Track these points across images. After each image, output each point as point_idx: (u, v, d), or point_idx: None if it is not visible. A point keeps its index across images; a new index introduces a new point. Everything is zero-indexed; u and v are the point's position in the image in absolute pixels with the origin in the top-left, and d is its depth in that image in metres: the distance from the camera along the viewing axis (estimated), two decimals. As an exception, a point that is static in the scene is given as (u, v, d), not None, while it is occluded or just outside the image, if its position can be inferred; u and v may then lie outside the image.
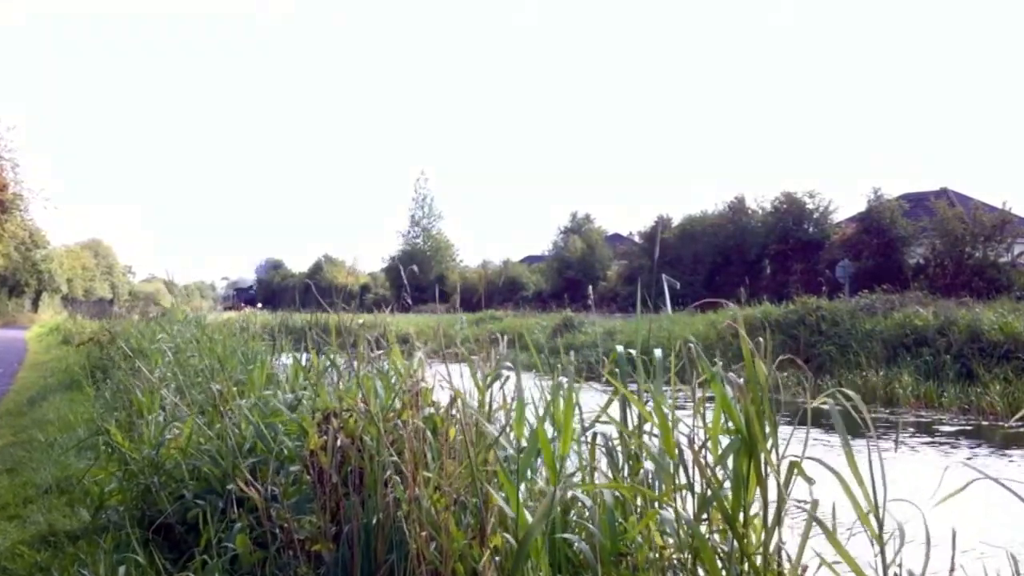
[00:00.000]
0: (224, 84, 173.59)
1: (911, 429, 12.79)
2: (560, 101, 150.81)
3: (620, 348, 3.50)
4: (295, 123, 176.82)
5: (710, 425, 2.99)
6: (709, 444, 2.98)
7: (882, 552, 2.47)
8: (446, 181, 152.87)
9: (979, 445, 11.55)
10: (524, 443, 3.33)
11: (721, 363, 2.95)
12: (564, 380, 3.50)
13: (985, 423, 13.20)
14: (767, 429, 2.74)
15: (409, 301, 5.68)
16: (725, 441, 2.89)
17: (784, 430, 2.86)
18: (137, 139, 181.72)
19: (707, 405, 3.07)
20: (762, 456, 2.69)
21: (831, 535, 2.51)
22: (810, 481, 2.65)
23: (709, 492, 2.80)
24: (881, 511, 2.49)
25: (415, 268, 7.45)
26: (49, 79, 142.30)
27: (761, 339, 2.91)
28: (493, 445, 3.52)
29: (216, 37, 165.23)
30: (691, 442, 2.95)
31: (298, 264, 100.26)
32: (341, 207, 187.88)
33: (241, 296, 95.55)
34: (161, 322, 11.98)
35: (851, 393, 2.65)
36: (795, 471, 2.69)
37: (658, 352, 3.17)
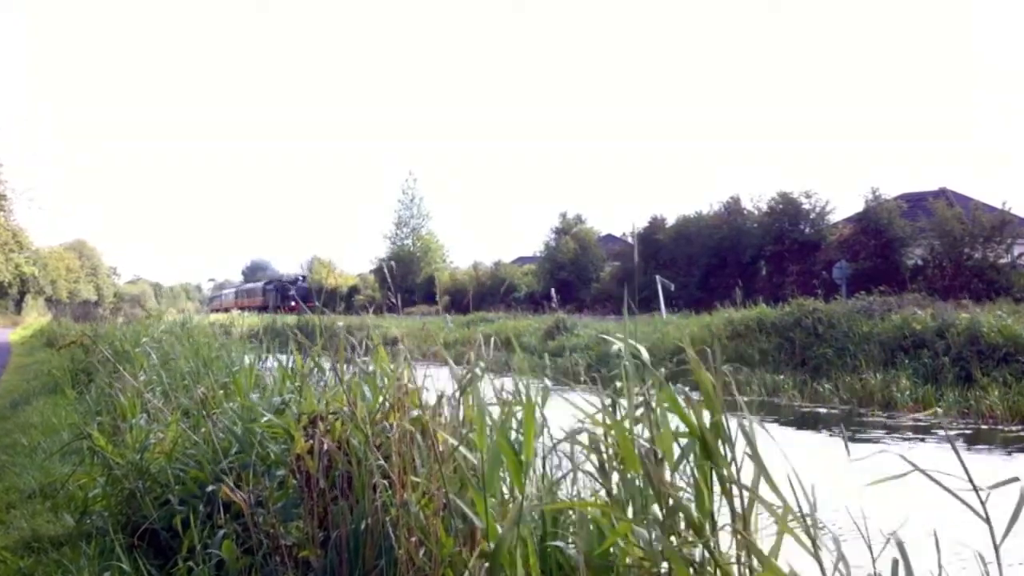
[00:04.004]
0: (214, 83, 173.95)
1: (908, 432, 12.73)
2: (553, 101, 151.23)
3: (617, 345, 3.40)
4: (284, 123, 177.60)
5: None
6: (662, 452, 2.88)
7: (817, 559, 2.41)
8: (438, 182, 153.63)
9: (978, 448, 11.49)
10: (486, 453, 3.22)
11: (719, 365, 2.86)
12: (527, 384, 3.42)
13: (984, 427, 13.13)
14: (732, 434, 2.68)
15: (394, 301, 5.55)
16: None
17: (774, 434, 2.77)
18: (126, 139, 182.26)
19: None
20: (729, 465, 2.63)
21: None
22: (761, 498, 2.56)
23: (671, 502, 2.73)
24: (809, 520, 2.45)
25: (393, 265, 7.34)
26: (35, 78, 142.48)
27: (708, 349, 2.89)
28: (447, 459, 3.42)
29: (206, 37, 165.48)
30: (649, 454, 2.86)
31: (286, 266, 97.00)
32: (330, 208, 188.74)
33: (280, 291, 69.44)
34: (146, 324, 11.90)
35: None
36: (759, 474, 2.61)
37: (645, 353, 3.09)
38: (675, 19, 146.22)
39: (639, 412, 3.01)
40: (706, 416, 2.73)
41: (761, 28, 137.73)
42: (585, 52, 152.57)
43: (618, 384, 3.18)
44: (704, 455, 2.69)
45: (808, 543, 2.43)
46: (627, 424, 2.95)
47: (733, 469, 2.68)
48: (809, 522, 2.45)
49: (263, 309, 59.19)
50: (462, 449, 3.34)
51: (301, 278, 72.62)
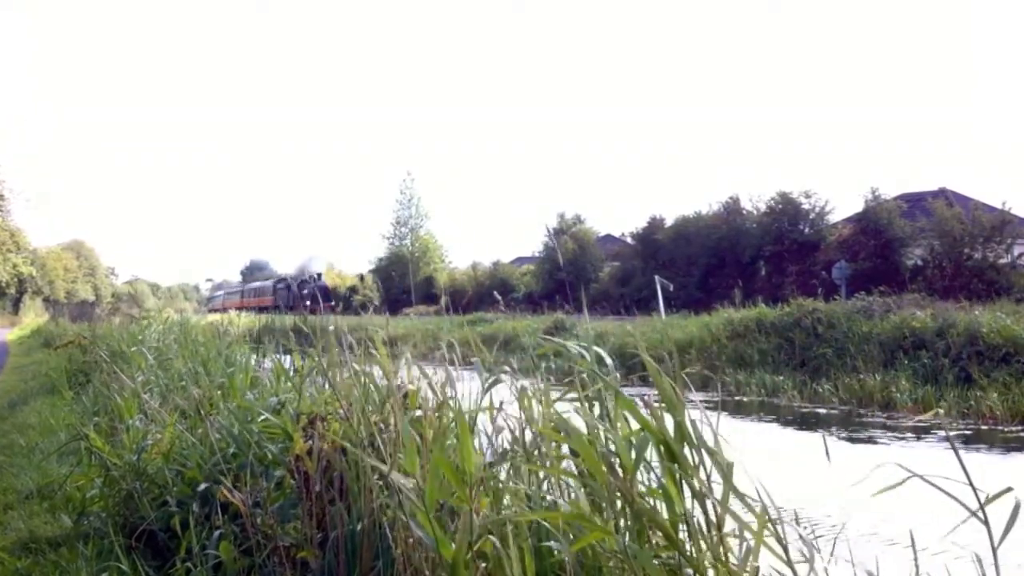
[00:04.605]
0: (213, 83, 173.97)
1: (908, 433, 12.72)
2: (553, 101, 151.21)
3: (572, 346, 3.41)
4: (282, 123, 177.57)
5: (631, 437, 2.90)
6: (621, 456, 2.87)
7: (790, 566, 2.41)
8: (436, 181, 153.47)
9: (977, 448, 11.49)
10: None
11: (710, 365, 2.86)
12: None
13: (984, 428, 13.10)
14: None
15: (378, 303, 5.52)
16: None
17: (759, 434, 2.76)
18: (123, 139, 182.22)
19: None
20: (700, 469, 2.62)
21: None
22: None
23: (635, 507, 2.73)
24: (781, 530, 2.45)
25: (391, 272, 7.30)
26: (31, 78, 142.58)
27: (666, 355, 2.89)
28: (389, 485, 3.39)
29: (206, 37, 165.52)
30: (611, 465, 2.84)
31: (284, 266, 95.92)
32: (328, 208, 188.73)
33: (294, 289, 61.46)
34: (143, 324, 11.88)
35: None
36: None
37: (603, 353, 3.10)
38: (674, 19, 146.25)
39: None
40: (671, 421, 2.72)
41: (761, 28, 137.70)
42: (584, 52, 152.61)
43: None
44: (669, 459, 2.67)
45: (780, 550, 2.42)
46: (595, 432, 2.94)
47: (702, 472, 2.67)
48: (781, 526, 2.44)
49: (274, 309, 56.47)
50: (394, 475, 3.27)
51: (317, 275, 66.24)
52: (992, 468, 10.21)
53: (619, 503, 2.88)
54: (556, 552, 3.08)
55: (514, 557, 2.81)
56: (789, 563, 2.37)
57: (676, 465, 2.68)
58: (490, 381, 3.93)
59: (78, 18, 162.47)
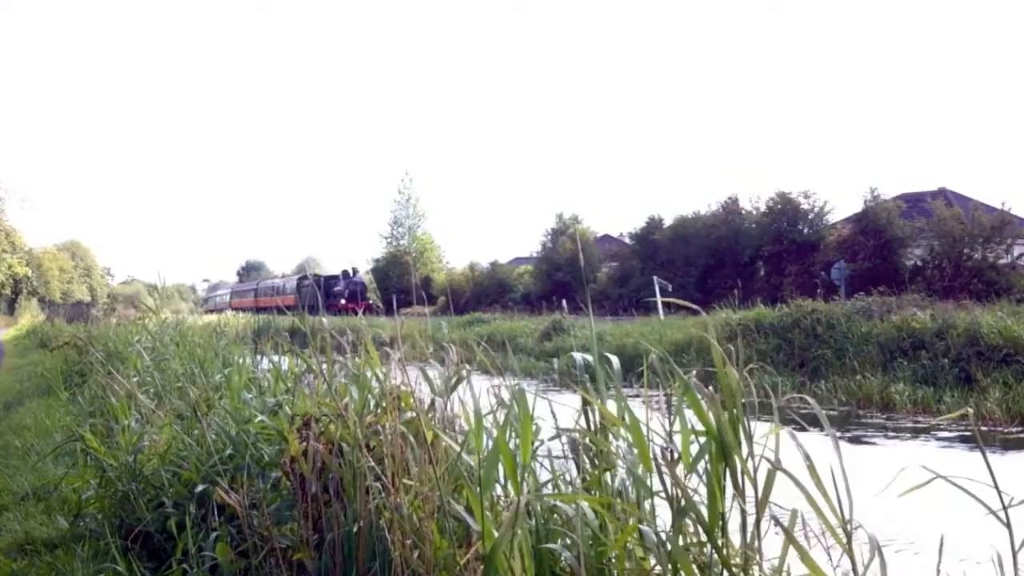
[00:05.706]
0: (207, 84, 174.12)
1: (908, 435, 12.68)
2: (551, 101, 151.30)
3: (577, 355, 3.40)
4: (279, 123, 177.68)
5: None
6: (679, 451, 2.84)
7: (852, 564, 2.38)
8: (435, 181, 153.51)
9: (977, 450, 11.44)
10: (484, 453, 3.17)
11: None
12: (522, 385, 3.38)
13: (984, 428, 13.03)
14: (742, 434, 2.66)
15: (380, 305, 5.50)
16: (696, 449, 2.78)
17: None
18: (118, 139, 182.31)
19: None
20: (738, 463, 2.60)
21: (800, 549, 2.39)
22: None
23: (683, 502, 2.69)
24: (849, 524, 2.40)
25: (388, 272, 7.26)
26: (27, 77, 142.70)
27: (732, 347, 2.88)
28: (456, 459, 3.37)
29: (203, 37, 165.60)
30: (663, 454, 2.82)
31: (281, 266, 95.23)
32: (325, 208, 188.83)
33: (323, 288, 53.35)
34: (139, 325, 11.86)
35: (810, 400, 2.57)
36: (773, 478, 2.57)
37: (615, 360, 3.08)
38: (673, 18, 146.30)
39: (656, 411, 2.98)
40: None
41: (760, 28, 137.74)
42: (584, 52, 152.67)
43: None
44: (720, 455, 2.64)
45: (843, 540, 2.39)
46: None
47: (749, 466, 2.64)
48: (846, 525, 2.41)
49: (291, 309, 52.43)
50: (463, 455, 3.29)
51: (353, 271, 59.88)
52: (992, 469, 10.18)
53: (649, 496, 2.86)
54: (557, 554, 3.05)
55: (515, 561, 2.79)
56: (851, 558, 2.35)
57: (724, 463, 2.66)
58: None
59: (78, 18, 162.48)
